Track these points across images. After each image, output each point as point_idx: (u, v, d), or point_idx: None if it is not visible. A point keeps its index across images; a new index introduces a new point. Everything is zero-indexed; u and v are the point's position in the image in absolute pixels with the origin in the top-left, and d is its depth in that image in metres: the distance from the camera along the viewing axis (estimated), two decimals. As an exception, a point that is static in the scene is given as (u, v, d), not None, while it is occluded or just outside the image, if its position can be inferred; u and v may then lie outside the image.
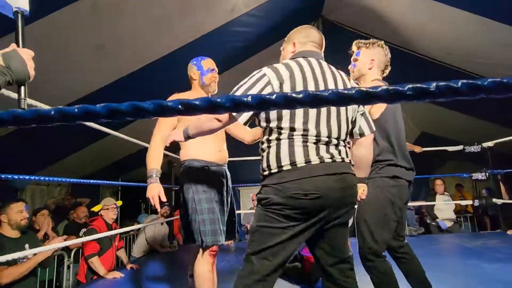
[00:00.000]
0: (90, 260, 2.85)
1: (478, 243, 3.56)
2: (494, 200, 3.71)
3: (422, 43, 4.40)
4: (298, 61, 1.24)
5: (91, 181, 2.84)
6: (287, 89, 1.16)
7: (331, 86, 1.23)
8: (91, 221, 3.20)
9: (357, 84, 1.72)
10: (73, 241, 2.34)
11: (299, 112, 1.14)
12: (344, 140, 1.24)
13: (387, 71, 1.84)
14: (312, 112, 1.16)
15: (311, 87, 1.18)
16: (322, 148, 1.16)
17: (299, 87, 1.17)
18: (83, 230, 3.29)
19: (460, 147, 3.94)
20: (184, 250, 4.10)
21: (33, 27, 2.53)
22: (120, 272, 2.94)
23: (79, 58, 3.13)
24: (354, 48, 1.81)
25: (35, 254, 2.25)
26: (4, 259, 1.54)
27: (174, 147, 5.49)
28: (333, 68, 1.31)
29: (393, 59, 5.26)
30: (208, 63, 1.84)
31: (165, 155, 4.31)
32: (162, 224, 4.04)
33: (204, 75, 1.80)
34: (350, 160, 1.24)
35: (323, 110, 1.18)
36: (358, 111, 1.31)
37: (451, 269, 2.60)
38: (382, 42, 1.82)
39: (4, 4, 1.01)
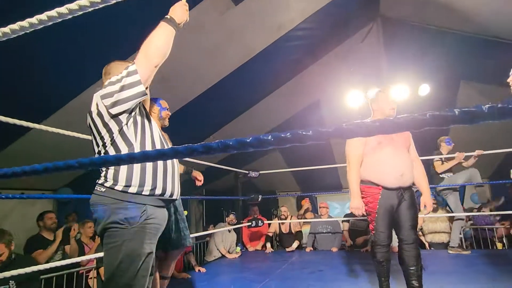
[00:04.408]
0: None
1: None
2: None
3: (498, 27, 3.80)
4: None
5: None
6: None
7: None
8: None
9: None
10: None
11: None
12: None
13: None
14: None
15: None
16: None
17: None
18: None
19: None
20: (247, 256, 4.39)
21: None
22: (188, 274, 3.39)
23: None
24: None
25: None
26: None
27: (239, 162, 5.78)
28: None
29: (469, 49, 4.63)
30: (164, 103, 2.20)
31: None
32: (229, 231, 4.42)
33: (162, 110, 2.15)
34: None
35: None
36: None
37: None
38: None
39: None
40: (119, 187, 1.30)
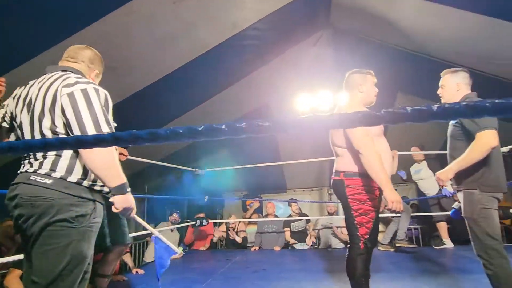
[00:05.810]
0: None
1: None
2: None
3: (434, 47, 4.22)
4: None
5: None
6: None
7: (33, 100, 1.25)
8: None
9: None
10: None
11: None
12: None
13: None
14: None
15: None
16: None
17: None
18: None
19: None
20: (190, 256, 4.27)
21: (48, 54, 2.86)
22: (124, 276, 3.17)
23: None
24: None
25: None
26: None
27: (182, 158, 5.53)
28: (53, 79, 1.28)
29: (409, 64, 5.05)
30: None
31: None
32: (172, 231, 4.25)
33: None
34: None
35: None
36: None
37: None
38: None
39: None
40: (73, 178, 1.19)
